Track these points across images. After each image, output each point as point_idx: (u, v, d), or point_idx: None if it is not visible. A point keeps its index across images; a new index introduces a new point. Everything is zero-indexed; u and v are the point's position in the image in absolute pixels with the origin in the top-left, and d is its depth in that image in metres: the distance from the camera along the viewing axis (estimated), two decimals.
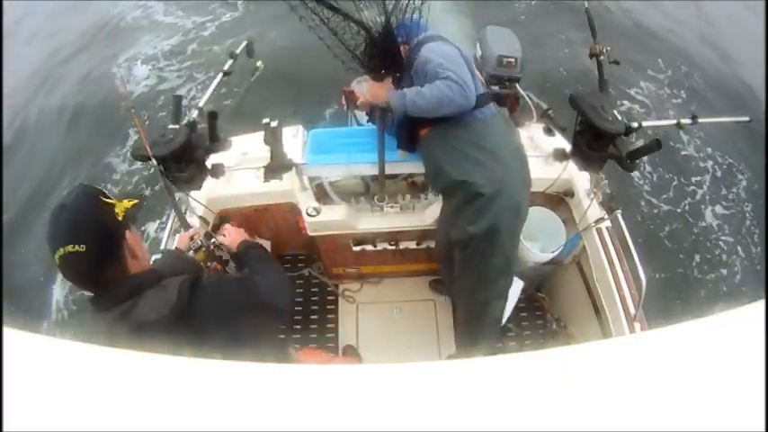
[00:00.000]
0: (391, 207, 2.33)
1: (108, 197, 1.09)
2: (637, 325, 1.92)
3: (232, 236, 1.59)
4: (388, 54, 1.65)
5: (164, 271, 1.21)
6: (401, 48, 1.79)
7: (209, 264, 1.56)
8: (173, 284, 1.13)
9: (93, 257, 1.02)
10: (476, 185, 1.76)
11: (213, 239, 1.59)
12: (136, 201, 1.14)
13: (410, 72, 1.81)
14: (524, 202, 1.86)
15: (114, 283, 1.08)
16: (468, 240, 1.85)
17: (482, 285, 1.99)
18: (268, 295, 1.27)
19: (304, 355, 1.71)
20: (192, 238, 1.58)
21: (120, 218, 1.08)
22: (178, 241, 1.65)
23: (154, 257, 1.60)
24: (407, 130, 1.99)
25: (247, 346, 1.22)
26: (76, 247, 0.99)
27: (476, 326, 2.17)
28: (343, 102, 2.09)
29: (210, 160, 1.93)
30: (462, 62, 1.78)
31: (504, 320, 2.41)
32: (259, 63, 2.28)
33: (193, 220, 2.23)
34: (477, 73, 1.91)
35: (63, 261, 0.99)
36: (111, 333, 1.04)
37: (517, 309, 2.54)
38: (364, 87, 1.85)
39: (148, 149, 1.53)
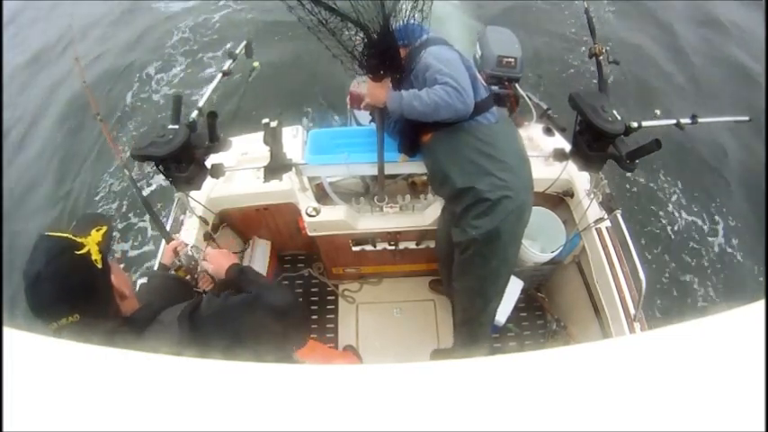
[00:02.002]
0: (391, 207, 2.33)
1: (77, 242, 1.00)
2: (637, 325, 1.92)
3: (217, 261, 1.46)
4: (387, 54, 1.64)
5: (154, 300, 1.17)
6: (401, 50, 1.78)
7: (195, 276, 1.51)
8: (170, 319, 1.08)
9: (88, 320, 0.98)
10: (482, 192, 1.75)
11: (198, 265, 1.50)
12: (104, 228, 1.06)
13: (410, 75, 1.81)
14: (528, 208, 1.85)
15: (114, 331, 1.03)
16: (469, 243, 1.84)
17: (482, 287, 1.99)
18: (278, 312, 1.21)
19: (306, 349, 1.66)
20: (175, 251, 1.52)
21: (99, 264, 1.01)
22: (163, 255, 1.60)
23: (140, 283, 1.55)
24: (409, 135, 1.98)
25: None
26: (70, 318, 0.95)
27: (474, 326, 2.18)
28: (348, 102, 2.09)
29: (210, 160, 1.93)
30: (463, 68, 1.77)
31: (504, 320, 2.42)
32: (256, 63, 2.28)
33: (192, 221, 2.23)
34: (480, 77, 1.90)
35: (60, 332, 0.95)
36: None
37: (517, 309, 2.54)
38: (364, 88, 1.86)
39: (118, 155, 1.45)
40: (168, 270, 1.50)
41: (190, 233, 2.19)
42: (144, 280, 1.57)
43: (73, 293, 0.97)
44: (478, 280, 1.97)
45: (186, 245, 1.57)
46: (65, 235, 1.00)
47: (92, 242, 1.01)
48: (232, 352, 1.11)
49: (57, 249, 0.98)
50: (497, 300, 2.10)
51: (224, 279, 1.42)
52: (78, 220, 1.07)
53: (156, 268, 1.64)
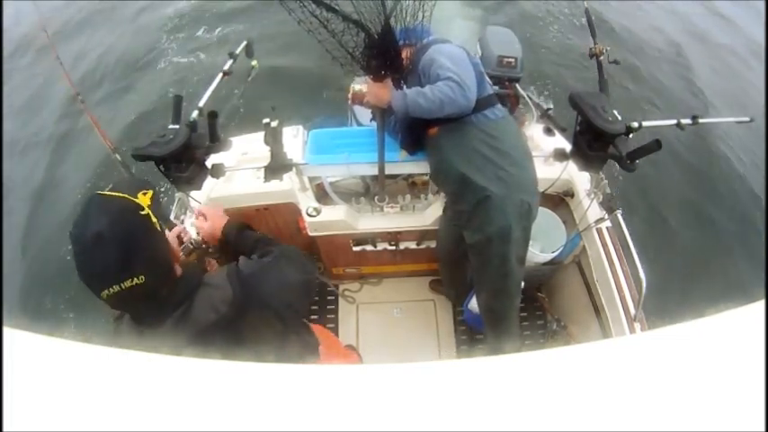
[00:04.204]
0: (391, 207, 2.33)
1: (138, 203, 0.95)
2: (637, 325, 1.92)
3: (212, 220, 1.39)
4: (388, 55, 1.63)
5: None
6: (404, 51, 1.78)
7: (205, 259, 1.48)
8: (219, 280, 1.07)
9: (152, 284, 0.93)
10: (488, 188, 1.75)
11: (195, 239, 1.46)
12: (150, 192, 1.00)
13: (418, 71, 1.81)
14: (535, 205, 1.85)
15: (168, 296, 1.00)
16: (486, 243, 1.84)
17: (505, 284, 1.97)
18: (308, 280, 1.23)
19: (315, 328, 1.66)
20: (179, 237, 1.48)
21: (157, 226, 0.98)
22: None
23: None
24: (414, 131, 1.98)
25: (294, 328, 1.18)
26: (136, 281, 0.89)
27: (505, 323, 2.14)
28: (349, 99, 2.08)
29: (210, 160, 1.93)
30: (468, 63, 1.77)
31: None
32: (254, 63, 2.28)
33: (193, 221, 2.23)
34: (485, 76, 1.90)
35: (118, 297, 0.90)
36: (172, 345, 0.96)
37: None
38: (364, 89, 1.85)
39: (108, 144, 1.42)
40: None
41: (190, 233, 2.18)
42: None
43: (140, 255, 0.91)
44: (502, 278, 1.94)
45: (188, 231, 1.54)
46: (123, 195, 0.95)
47: (144, 202, 0.97)
48: (282, 307, 1.12)
49: (118, 209, 0.92)
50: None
51: (220, 240, 1.37)
52: (117, 185, 1.00)
53: None
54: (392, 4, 1.48)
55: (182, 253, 1.39)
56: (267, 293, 1.11)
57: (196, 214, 1.46)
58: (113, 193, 0.95)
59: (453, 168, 1.82)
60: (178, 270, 1.08)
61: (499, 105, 1.88)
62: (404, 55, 1.76)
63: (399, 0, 1.50)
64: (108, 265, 0.88)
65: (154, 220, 0.97)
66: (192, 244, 1.46)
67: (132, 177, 1.38)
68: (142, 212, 0.95)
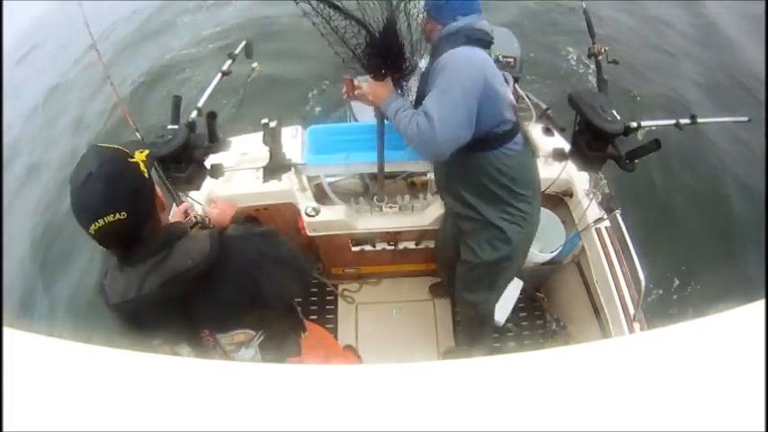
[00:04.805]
0: (390, 207, 2.33)
1: (128, 152, 1.05)
2: (636, 325, 1.92)
3: (222, 209, 1.51)
4: (389, 54, 1.62)
5: None
6: (429, 24, 1.62)
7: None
8: (201, 236, 1.13)
9: (133, 221, 1.01)
10: (495, 220, 1.73)
11: (201, 215, 1.52)
12: (146, 150, 1.10)
13: (433, 60, 1.61)
14: (537, 226, 1.85)
15: (149, 238, 1.07)
16: (479, 264, 1.85)
17: (486, 300, 2.03)
18: (294, 254, 1.28)
19: (312, 337, 1.67)
20: (185, 213, 1.53)
21: (146, 175, 1.06)
22: (173, 216, 1.61)
23: None
24: None
25: (272, 301, 1.22)
26: (117, 216, 0.97)
27: (479, 332, 2.22)
28: (344, 91, 2.08)
29: (209, 160, 1.93)
30: (468, 101, 1.47)
31: (503, 321, 2.43)
32: (255, 64, 2.27)
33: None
34: (511, 98, 1.65)
35: (102, 231, 0.97)
36: (141, 285, 1.04)
37: (516, 309, 2.54)
38: (364, 87, 1.84)
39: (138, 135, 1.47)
40: None
41: (196, 210, 2.19)
42: None
43: (123, 192, 0.99)
44: (484, 296, 2.00)
45: (194, 208, 1.58)
46: (115, 146, 1.05)
47: (138, 158, 1.06)
48: (257, 271, 1.17)
49: (108, 155, 1.02)
50: (497, 301, 2.12)
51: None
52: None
53: None
54: (395, 3, 1.48)
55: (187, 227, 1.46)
56: (248, 259, 1.17)
57: (209, 202, 1.53)
58: (107, 145, 1.05)
59: (461, 195, 1.78)
60: (164, 219, 1.15)
61: (519, 136, 1.69)
62: (427, 28, 1.64)
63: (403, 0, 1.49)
64: (94, 200, 0.97)
65: (143, 169, 1.05)
66: (195, 218, 1.50)
67: (129, 141, 1.46)
68: (131, 159, 1.04)
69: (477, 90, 1.48)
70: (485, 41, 1.60)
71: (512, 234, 1.74)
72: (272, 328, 1.31)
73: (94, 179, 0.96)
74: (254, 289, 1.16)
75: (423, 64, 1.84)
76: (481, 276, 1.91)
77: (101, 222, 0.96)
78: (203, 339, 1.20)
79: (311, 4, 1.40)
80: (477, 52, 1.55)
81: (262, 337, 1.30)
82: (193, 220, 1.49)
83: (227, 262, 1.12)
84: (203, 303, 1.13)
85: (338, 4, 1.41)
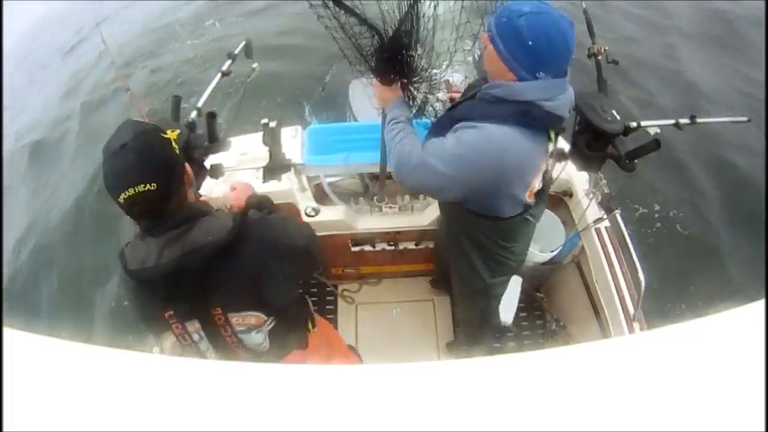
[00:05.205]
0: (390, 207, 2.33)
1: (161, 128, 1.09)
2: (636, 325, 1.92)
3: (240, 190, 1.58)
4: (397, 60, 1.60)
5: None
6: (496, 64, 1.34)
7: None
8: (223, 215, 1.17)
9: (162, 193, 1.03)
10: (490, 258, 1.75)
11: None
12: (177, 131, 1.14)
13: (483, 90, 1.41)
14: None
15: (175, 212, 1.10)
16: (476, 280, 1.86)
17: (483, 312, 2.06)
18: (310, 242, 1.33)
19: (320, 322, 1.69)
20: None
21: (176, 150, 1.10)
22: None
23: None
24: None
25: (283, 286, 1.25)
26: (147, 186, 1.00)
27: (479, 332, 2.24)
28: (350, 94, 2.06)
29: (209, 161, 1.93)
30: (467, 184, 1.36)
31: (510, 321, 2.43)
32: (255, 65, 2.27)
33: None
34: (536, 184, 1.51)
35: (131, 200, 1.00)
36: (160, 255, 1.06)
37: (516, 309, 2.54)
38: (371, 91, 1.83)
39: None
40: None
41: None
42: None
43: (154, 164, 1.03)
44: (481, 310, 2.03)
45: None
46: (151, 123, 1.11)
47: (171, 135, 1.11)
48: (271, 258, 1.20)
49: (143, 128, 1.06)
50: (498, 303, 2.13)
51: (243, 210, 1.51)
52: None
53: None
54: (407, 5, 1.46)
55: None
56: (265, 245, 1.21)
57: (231, 185, 1.63)
58: (143, 121, 1.11)
59: (456, 243, 1.78)
60: (190, 196, 1.18)
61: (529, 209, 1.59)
62: (489, 59, 1.40)
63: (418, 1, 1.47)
64: (126, 169, 1.00)
65: (174, 146, 1.09)
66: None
67: (162, 119, 1.51)
68: (164, 135, 1.08)
69: (480, 182, 1.37)
70: (551, 124, 1.37)
71: (506, 265, 1.79)
72: (283, 316, 1.33)
73: (128, 149, 1.00)
74: (264, 274, 1.19)
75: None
76: (475, 294, 1.96)
77: (131, 192, 0.99)
78: (214, 317, 1.21)
79: (327, 6, 1.40)
80: (522, 147, 1.32)
81: (272, 324, 1.31)
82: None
83: (246, 243, 1.16)
84: (218, 280, 1.15)
85: (356, 10, 1.41)
